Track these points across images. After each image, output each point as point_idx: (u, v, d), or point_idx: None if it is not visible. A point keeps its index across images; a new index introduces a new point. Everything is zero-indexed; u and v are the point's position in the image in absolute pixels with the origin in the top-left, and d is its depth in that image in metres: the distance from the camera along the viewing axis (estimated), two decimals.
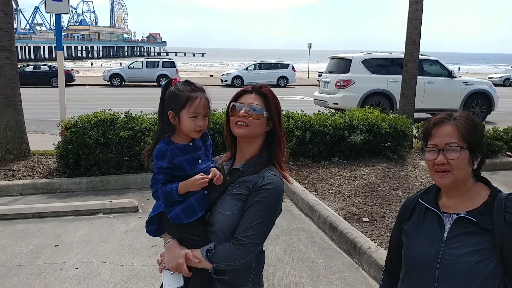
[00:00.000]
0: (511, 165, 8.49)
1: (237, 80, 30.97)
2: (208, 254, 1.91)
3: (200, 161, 2.06)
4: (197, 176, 1.98)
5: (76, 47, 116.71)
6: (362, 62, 14.23)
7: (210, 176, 2.00)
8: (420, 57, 9.78)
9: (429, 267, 1.74)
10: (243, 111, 1.97)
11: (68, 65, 47.09)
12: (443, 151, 1.75)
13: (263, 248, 2.08)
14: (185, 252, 1.97)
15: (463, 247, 1.70)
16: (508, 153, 9.00)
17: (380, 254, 4.48)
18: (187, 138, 2.06)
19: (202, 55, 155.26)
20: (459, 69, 61.07)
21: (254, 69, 32.13)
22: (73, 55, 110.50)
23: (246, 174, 1.99)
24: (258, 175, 1.97)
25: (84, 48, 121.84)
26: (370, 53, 14.94)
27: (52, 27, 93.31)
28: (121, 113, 7.52)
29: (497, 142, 8.69)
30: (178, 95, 2.00)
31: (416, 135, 9.38)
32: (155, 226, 2.15)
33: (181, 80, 2.06)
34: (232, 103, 2.03)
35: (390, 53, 15.19)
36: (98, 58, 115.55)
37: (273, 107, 2.03)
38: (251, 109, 1.98)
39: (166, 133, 2.06)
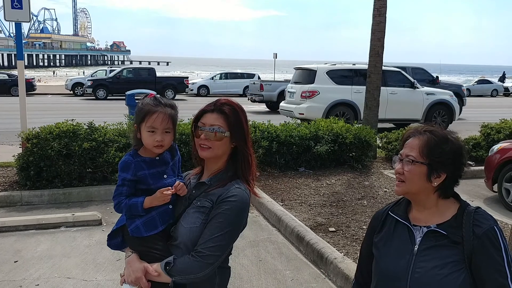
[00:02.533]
0: (472, 174, 8.71)
1: (203, 90, 30.86)
2: (167, 268, 1.88)
3: (165, 176, 2.04)
4: (157, 193, 1.96)
5: (37, 55, 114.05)
6: (326, 73, 14.43)
7: (172, 190, 1.98)
8: (383, 68, 9.97)
9: (401, 280, 1.76)
10: (203, 135, 1.95)
11: (30, 73, 45.90)
12: (403, 161, 1.80)
13: (229, 264, 2.07)
14: (144, 266, 1.94)
15: (433, 260, 1.72)
16: (469, 162, 9.23)
17: (347, 265, 4.51)
18: (154, 152, 2.04)
19: (167, 64, 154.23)
20: None
21: (220, 78, 32.06)
22: (34, 63, 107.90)
23: (212, 188, 1.98)
24: (223, 188, 1.95)
25: (46, 56, 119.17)
26: (335, 64, 15.17)
27: (12, 35, 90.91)
28: (84, 124, 7.37)
29: None
30: (140, 109, 2.02)
31: (380, 145, 9.55)
32: (117, 240, 2.12)
33: (155, 95, 2.07)
34: (194, 124, 2.01)
35: (353, 64, 15.47)
36: (60, 66, 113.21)
37: (235, 125, 1.98)
38: (211, 131, 1.95)
39: (135, 146, 2.06)
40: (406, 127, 10.20)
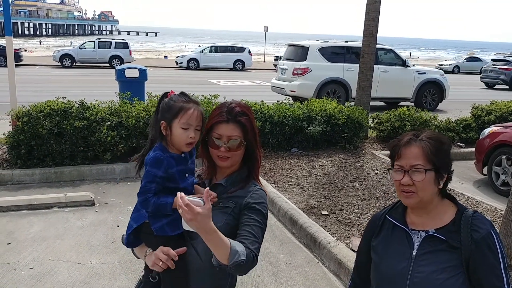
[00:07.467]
0: (462, 156, 8.81)
1: (192, 63, 30.50)
2: (237, 261, 1.71)
3: (187, 175, 2.04)
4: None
5: (22, 24, 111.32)
6: (319, 50, 14.34)
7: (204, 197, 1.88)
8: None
9: (400, 284, 1.78)
10: (223, 148, 1.95)
11: (15, 42, 44.84)
12: (408, 172, 1.78)
13: None
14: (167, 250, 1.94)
15: (432, 265, 1.75)
16: (459, 143, 9.34)
17: (340, 249, 4.56)
18: (178, 150, 2.02)
19: (156, 35, 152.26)
20: (410, 55, 62.63)
21: (210, 51, 31.69)
22: (20, 32, 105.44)
23: (231, 189, 2.01)
24: (244, 190, 1.99)
25: (31, 25, 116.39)
26: (327, 41, 15.06)
27: None
28: (75, 102, 7.28)
29: (449, 133, 9.01)
30: (171, 105, 1.99)
31: (371, 125, 9.58)
32: (133, 238, 2.09)
33: (176, 93, 2.05)
34: (210, 136, 1.98)
35: (346, 41, 15.37)
36: (47, 36, 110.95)
37: (251, 132, 2.00)
38: (231, 144, 1.95)
39: (161, 141, 2.02)
40: (398, 106, 10.23)
